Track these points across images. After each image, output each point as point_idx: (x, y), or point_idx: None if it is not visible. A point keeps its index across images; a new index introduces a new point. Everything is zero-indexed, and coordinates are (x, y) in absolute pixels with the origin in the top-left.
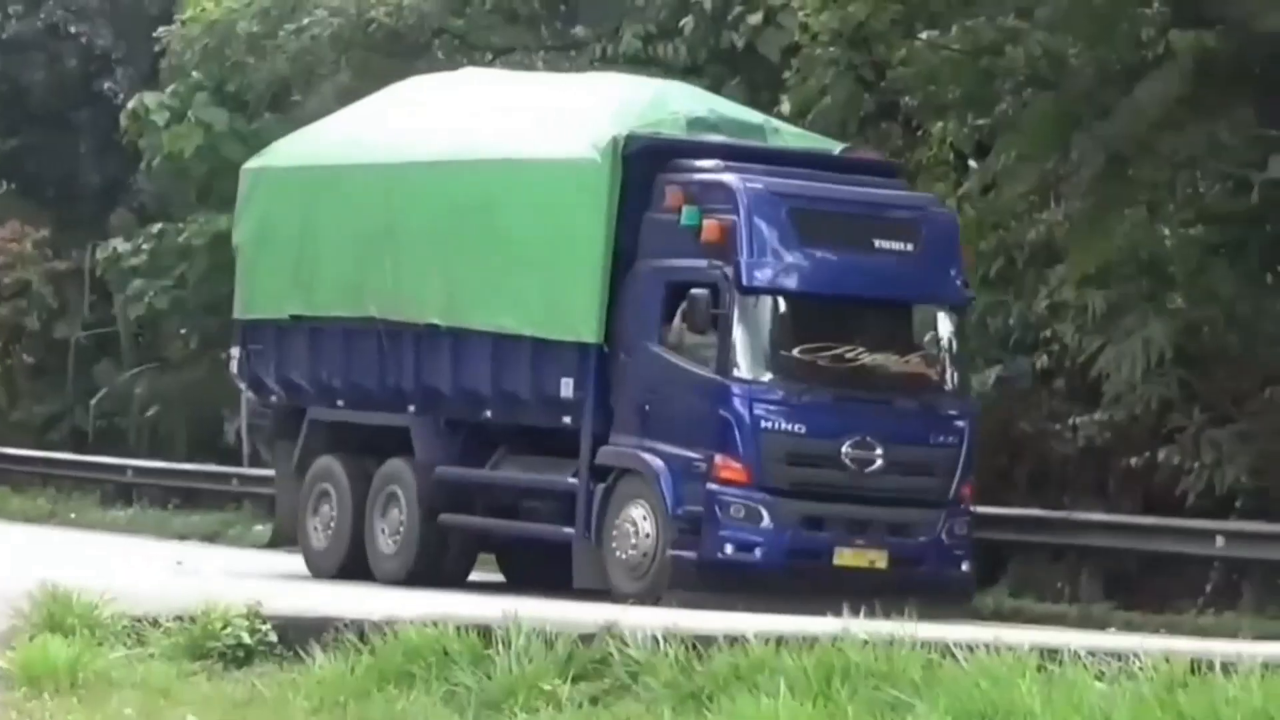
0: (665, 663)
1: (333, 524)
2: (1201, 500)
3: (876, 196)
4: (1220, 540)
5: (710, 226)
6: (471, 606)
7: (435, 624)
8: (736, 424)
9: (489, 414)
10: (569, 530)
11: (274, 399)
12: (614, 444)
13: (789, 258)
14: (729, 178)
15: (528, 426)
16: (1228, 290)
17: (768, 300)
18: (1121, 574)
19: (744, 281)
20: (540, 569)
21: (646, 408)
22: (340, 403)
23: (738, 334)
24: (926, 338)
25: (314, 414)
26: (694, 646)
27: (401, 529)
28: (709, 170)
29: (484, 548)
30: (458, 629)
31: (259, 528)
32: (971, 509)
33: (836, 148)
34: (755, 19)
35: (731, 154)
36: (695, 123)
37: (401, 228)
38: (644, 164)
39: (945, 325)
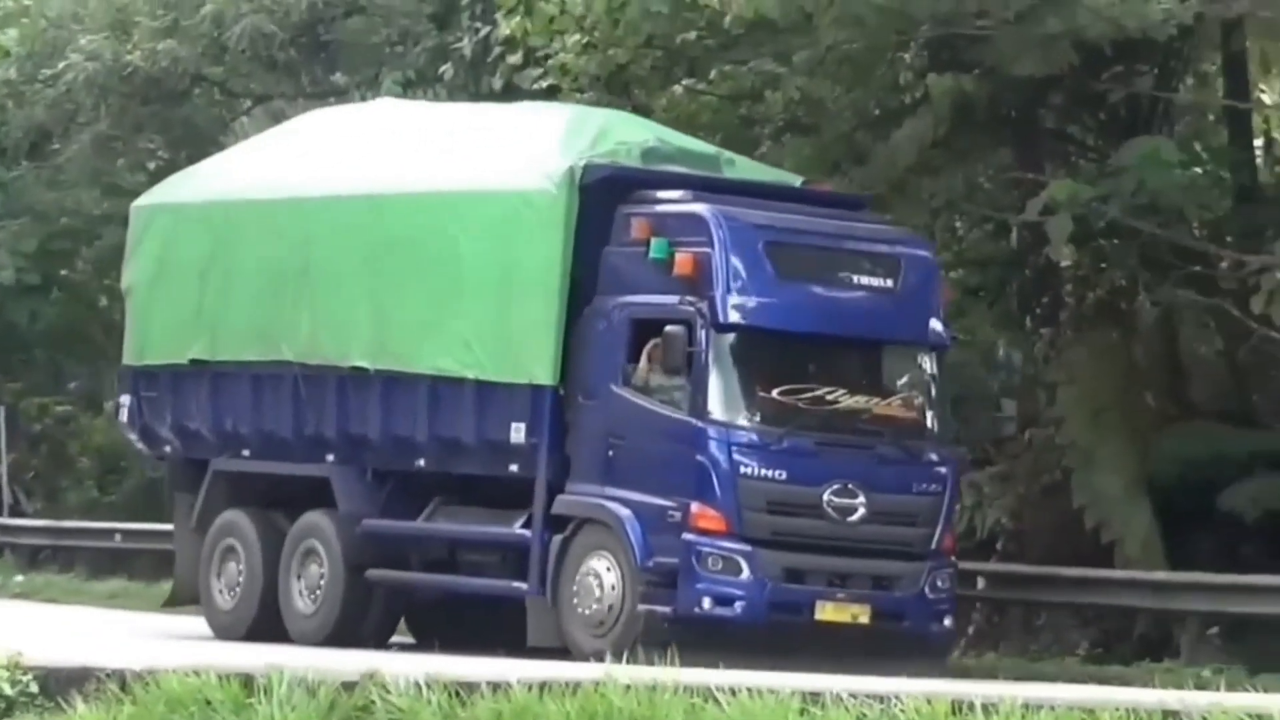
0: (428, 710)
1: (240, 583)
2: (962, 542)
3: (854, 230)
4: (981, 582)
5: (682, 260)
6: (234, 656)
7: (197, 673)
8: (714, 469)
9: (422, 462)
10: (520, 585)
11: (168, 449)
12: (572, 492)
13: (767, 293)
14: (702, 208)
15: (466, 475)
16: (987, 332)
17: (745, 338)
18: None
19: (720, 318)
20: (468, 628)
21: (610, 453)
22: (246, 452)
23: (713, 374)
24: (907, 380)
25: (217, 465)
26: (457, 694)
27: (321, 586)
28: (678, 201)
29: (409, 606)
30: (219, 678)
31: (19, 578)
32: (955, 560)
33: (797, 180)
34: (515, 58)
35: (694, 185)
36: (650, 153)
37: (322, 265)
38: (601, 195)
39: (926, 367)
